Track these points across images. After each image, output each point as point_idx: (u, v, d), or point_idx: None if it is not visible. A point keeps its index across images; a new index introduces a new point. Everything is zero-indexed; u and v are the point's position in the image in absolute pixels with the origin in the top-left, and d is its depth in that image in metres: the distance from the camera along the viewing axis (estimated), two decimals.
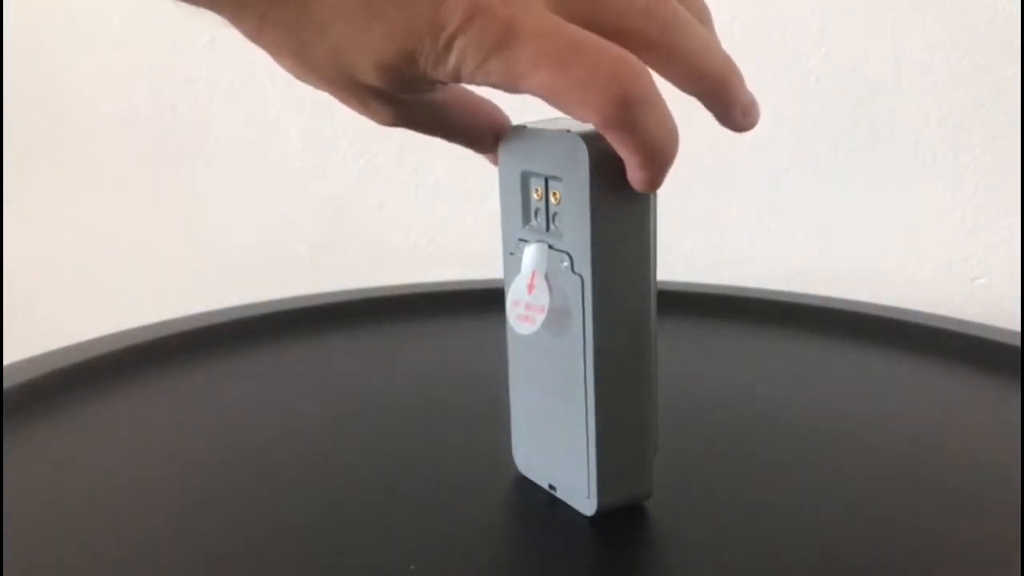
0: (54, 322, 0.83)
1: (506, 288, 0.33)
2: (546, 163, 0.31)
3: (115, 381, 0.48)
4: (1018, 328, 0.55)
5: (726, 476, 0.37)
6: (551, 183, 0.31)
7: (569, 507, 0.34)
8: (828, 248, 0.72)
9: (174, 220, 0.80)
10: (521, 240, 0.32)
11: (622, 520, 0.33)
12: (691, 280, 0.66)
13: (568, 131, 0.29)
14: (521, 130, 0.32)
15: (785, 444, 0.41)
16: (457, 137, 0.32)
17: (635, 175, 0.27)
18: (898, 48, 0.67)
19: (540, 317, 0.31)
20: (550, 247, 0.31)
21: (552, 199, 0.31)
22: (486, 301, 0.62)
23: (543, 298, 0.31)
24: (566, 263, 0.30)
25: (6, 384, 0.44)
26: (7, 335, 0.82)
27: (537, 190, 0.31)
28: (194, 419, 0.44)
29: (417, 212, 0.78)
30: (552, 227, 0.31)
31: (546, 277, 0.31)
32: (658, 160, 0.26)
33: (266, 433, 0.42)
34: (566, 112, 0.26)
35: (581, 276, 0.30)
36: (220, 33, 0.74)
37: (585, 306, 0.30)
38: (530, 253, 0.32)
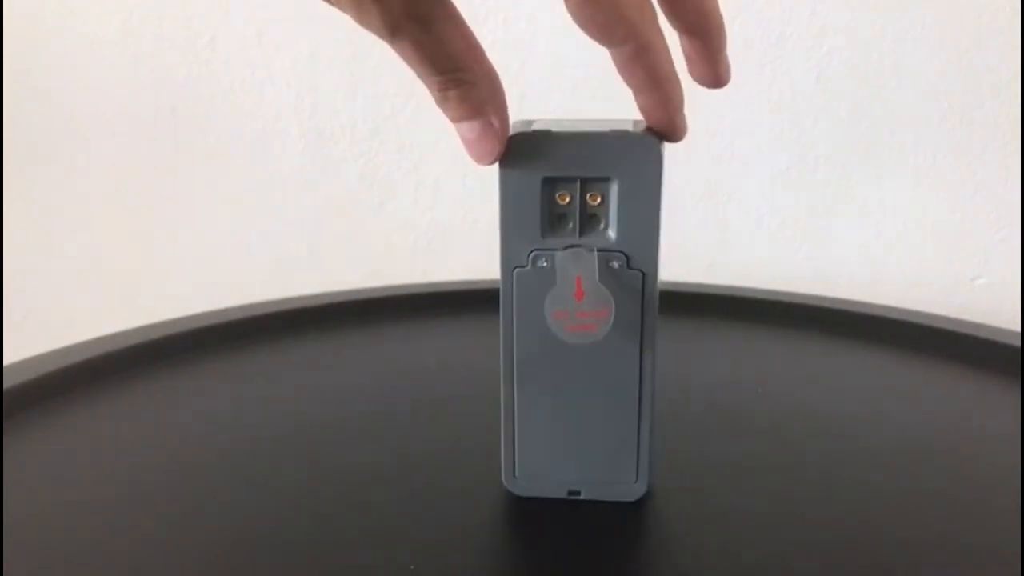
0: (54, 322, 0.83)
1: (509, 305, 0.32)
2: (586, 165, 0.30)
3: (115, 381, 0.48)
4: (1018, 328, 0.55)
5: (726, 476, 0.37)
6: (588, 185, 0.30)
7: (568, 504, 0.34)
8: (828, 248, 0.72)
9: (174, 220, 0.80)
10: (538, 251, 0.31)
11: (623, 519, 0.33)
12: (691, 280, 0.66)
13: (627, 131, 0.30)
14: (542, 135, 0.30)
15: (785, 444, 0.41)
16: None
17: (661, 113, 0.29)
18: (898, 48, 0.67)
19: (605, 321, 0.31)
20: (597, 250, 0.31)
21: (590, 202, 0.31)
22: (486, 301, 0.62)
23: (604, 302, 0.31)
24: (618, 262, 0.31)
25: (6, 384, 0.44)
26: (7, 335, 0.82)
27: (561, 195, 0.31)
28: (193, 419, 0.44)
29: (417, 212, 0.78)
30: (588, 230, 0.31)
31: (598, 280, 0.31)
32: (675, 88, 0.29)
33: (266, 433, 0.42)
34: (593, 28, 0.26)
35: (642, 271, 0.31)
36: (220, 33, 0.74)
37: (646, 300, 0.31)
38: (575, 259, 0.31)
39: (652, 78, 0.28)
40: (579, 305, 0.31)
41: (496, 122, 0.29)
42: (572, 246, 0.31)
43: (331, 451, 0.40)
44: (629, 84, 0.29)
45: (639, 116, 0.30)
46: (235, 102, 0.76)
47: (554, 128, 0.30)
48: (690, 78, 0.30)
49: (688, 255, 0.74)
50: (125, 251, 0.82)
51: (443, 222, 0.78)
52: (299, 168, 0.77)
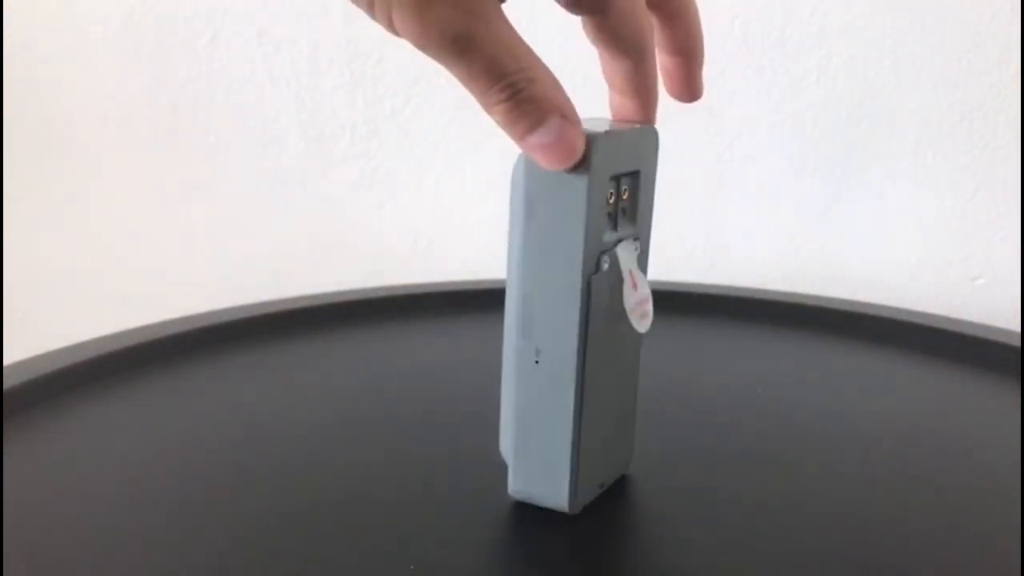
0: (54, 322, 0.83)
1: (584, 315, 0.30)
2: (631, 160, 0.31)
3: (115, 381, 0.48)
4: (1018, 328, 0.55)
5: (726, 476, 0.37)
6: (624, 180, 0.31)
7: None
8: (828, 248, 0.72)
9: (174, 220, 0.80)
10: (603, 252, 0.31)
11: (623, 519, 0.33)
12: (691, 280, 0.66)
13: (639, 125, 0.31)
14: (611, 135, 0.29)
15: (785, 444, 0.41)
16: None
17: (646, 114, 0.31)
18: (898, 48, 0.67)
19: (651, 307, 0.32)
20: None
21: (623, 196, 0.31)
22: (486, 301, 0.62)
23: (647, 288, 0.32)
24: (638, 248, 0.32)
25: (6, 384, 0.44)
26: (7, 335, 0.82)
27: (611, 192, 0.31)
28: (193, 419, 0.44)
29: (417, 212, 0.78)
30: (621, 222, 0.31)
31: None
32: (657, 90, 0.31)
33: (265, 433, 0.42)
34: (628, 43, 0.29)
35: (646, 252, 0.33)
36: (220, 33, 0.74)
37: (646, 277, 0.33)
38: (626, 253, 0.31)
39: (650, 85, 0.30)
40: (639, 295, 0.31)
41: (571, 115, 0.27)
42: (619, 241, 0.31)
43: (331, 451, 0.40)
44: (625, 90, 0.30)
45: (607, 113, 0.32)
46: (235, 102, 0.76)
47: (612, 127, 0.30)
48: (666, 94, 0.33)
49: (688, 255, 0.74)
50: (125, 251, 0.82)
51: (443, 222, 0.78)
52: (299, 168, 0.77)
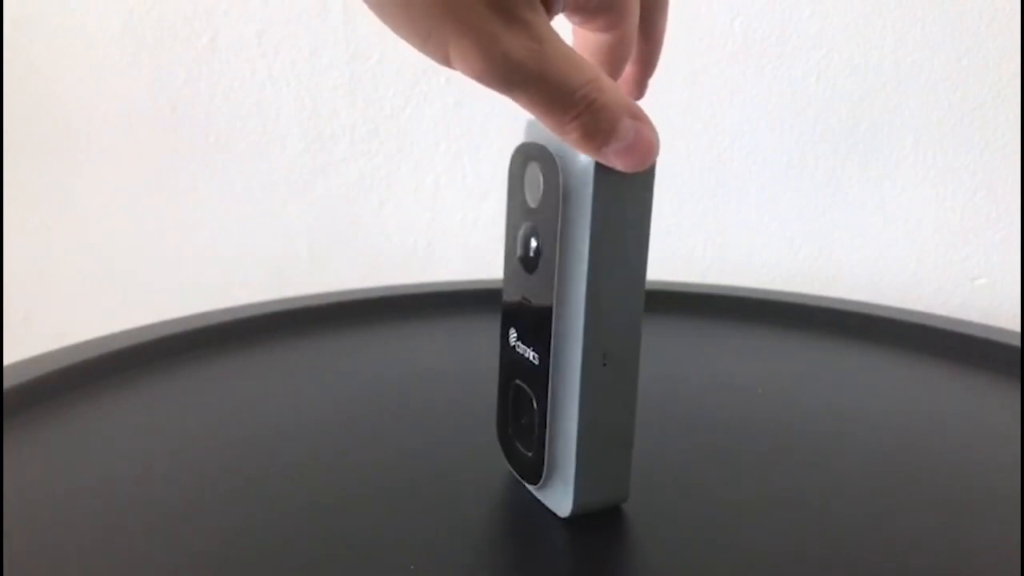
0: (54, 322, 0.83)
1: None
2: None
3: (115, 381, 0.48)
4: (1018, 328, 0.55)
5: (726, 476, 0.37)
6: None
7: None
8: (828, 248, 0.72)
9: (174, 220, 0.80)
10: None
11: (623, 520, 0.33)
12: (691, 280, 0.66)
13: None
14: None
15: (785, 444, 0.41)
16: None
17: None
18: (898, 48, 0.67)
19: None
20: None
21: None
22: (486, 301, 0.62)
23: None
24: None
25: (6, 384, 0.44)
26: (7, 335, 0.82)
27: None
28: (194, 419, 0.44)
29: (417, 212, 0.78)
30: None
31: None
32: None
33: (266, 433, 0.42)
34: (625, 58, 0.30)
35: None
36: (220, 33, 0.74)
37: None
38: None
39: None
40: None
41: (639, 113, 0.27)
42: None
43: (331, 451, 0.40)
44: None
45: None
46: (235, 102, 0.76)
47: None
48: None
49: (688, 255, 0.74)
50: (125, 251, 0.82)
51: (443, 222, 0.78)
52: (299, 168, 0.77)
